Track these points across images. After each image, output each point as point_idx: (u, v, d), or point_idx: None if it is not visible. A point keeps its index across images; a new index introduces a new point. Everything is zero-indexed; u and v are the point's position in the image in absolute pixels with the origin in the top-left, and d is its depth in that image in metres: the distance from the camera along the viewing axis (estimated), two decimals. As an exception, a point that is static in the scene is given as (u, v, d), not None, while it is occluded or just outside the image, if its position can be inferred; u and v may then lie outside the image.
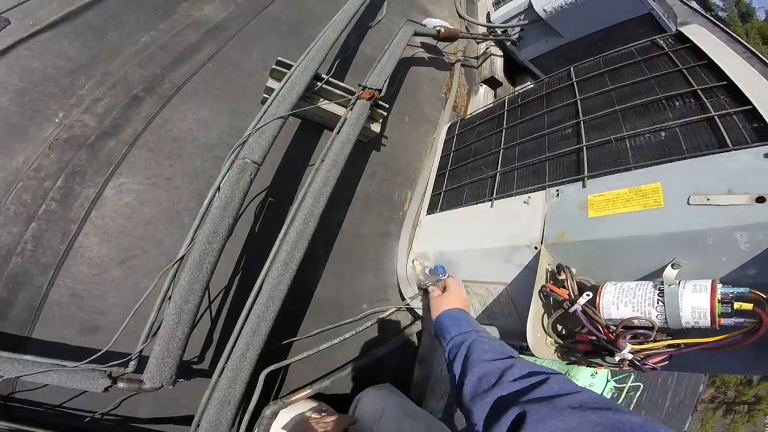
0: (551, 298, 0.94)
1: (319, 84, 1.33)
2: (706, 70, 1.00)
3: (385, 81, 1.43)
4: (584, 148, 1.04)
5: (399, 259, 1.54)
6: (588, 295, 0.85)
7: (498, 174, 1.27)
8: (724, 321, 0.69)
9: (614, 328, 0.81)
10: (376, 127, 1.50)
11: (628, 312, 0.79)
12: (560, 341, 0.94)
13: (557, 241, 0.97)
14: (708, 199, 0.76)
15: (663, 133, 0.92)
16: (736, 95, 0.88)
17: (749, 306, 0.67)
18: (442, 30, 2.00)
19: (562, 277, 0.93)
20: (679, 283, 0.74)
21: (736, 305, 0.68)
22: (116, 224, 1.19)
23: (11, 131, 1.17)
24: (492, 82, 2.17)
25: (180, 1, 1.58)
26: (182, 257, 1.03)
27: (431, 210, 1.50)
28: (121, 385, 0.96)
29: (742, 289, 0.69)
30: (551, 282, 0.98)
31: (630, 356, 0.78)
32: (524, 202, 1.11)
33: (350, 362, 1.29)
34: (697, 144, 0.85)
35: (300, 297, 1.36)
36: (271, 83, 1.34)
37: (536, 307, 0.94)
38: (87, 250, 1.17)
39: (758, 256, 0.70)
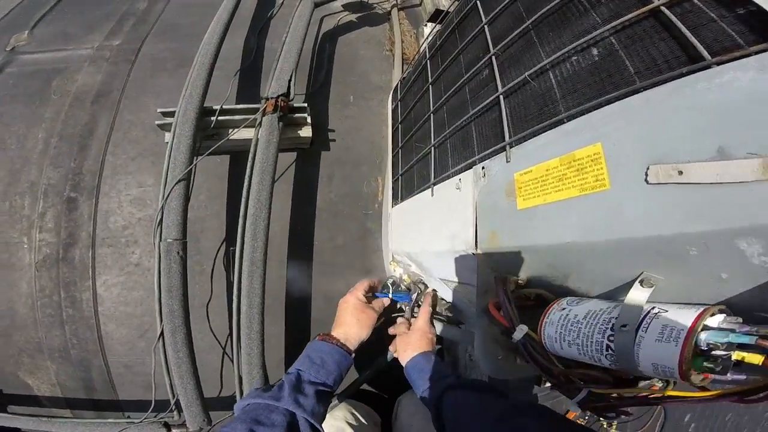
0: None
1: (213, 119, 1.14)
2: None
3: (290, 79, 1.16)
4: (501, 97, 0.66)
5: (386, 256, 1.35)
6: (522, 329, 0.58)
7: (433, 148, 0.94)
8: (715, 377, 0.39)
9: (561, 368, 0.54)
10: (306, 132, 1.26)
11: (574, 353, 0.51)
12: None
13: (489, 246, 0.67)
14: (680, 173, 0.38)
15: (594, 51, 0.50)
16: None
17: (758, 359, 0.35)
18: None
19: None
20: (643, 318, 0.42)
21: (737, 355, 0.37)
22: (120, 311, 1.29)
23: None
24: (438, 16, 1.51)
25: (49, 81, 1.42)
26: (161, 333, 1.09)
27: (395, 200, 1.23)
28: (174, 431, 1.13)
29: (744, 338, 0.35)
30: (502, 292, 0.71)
31: (578, 410, 0.51)
32: (456, 187, 0.80)
33: (358, 378, 1.22)
34: (649, 60, 0.44)
35: (297, 325, 1.33)
36: (168, 137, 1.20)
37: (483, 331, 0.70)
38: (113, 334, 1.32)
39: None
